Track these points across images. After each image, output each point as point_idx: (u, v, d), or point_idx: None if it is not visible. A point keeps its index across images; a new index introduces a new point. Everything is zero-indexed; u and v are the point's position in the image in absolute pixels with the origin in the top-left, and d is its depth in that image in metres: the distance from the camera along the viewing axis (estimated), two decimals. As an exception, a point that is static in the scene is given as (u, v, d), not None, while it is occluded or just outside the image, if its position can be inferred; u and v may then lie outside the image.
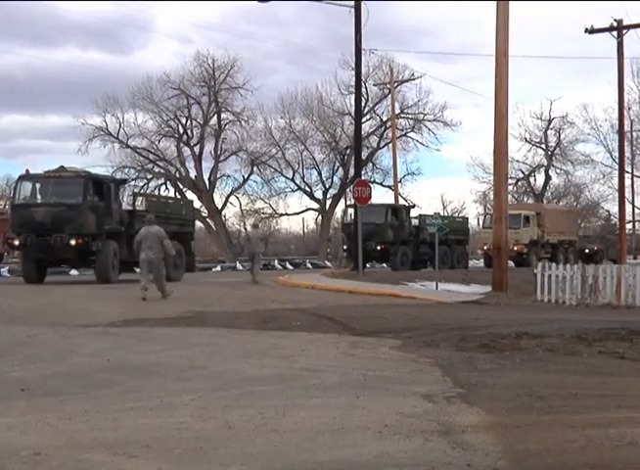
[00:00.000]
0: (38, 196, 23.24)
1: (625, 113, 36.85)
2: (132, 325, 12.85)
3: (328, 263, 41.59)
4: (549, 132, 58.37)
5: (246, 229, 32.95)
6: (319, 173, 53.28)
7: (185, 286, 21.31)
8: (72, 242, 22.20)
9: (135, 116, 50.87)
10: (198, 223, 54.45)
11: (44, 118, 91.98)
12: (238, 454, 5.16)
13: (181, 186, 51.59)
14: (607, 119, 50.79)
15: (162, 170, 51.89)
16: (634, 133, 50.54)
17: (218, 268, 40.90)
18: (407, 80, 47.64)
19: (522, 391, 7.33)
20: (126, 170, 51.25)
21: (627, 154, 43.19)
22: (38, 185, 23.22)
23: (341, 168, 51.99)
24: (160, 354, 9.61)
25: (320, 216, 53.94)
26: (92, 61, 72.39)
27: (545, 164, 58.97)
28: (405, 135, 51.57)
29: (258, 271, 25.34)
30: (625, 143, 37.72)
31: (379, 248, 32.93)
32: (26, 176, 23.75)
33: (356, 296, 20.02)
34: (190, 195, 51.87)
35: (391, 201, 43.60)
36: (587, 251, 44.79)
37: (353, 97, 36.12)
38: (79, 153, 50.78)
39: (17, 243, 22.68)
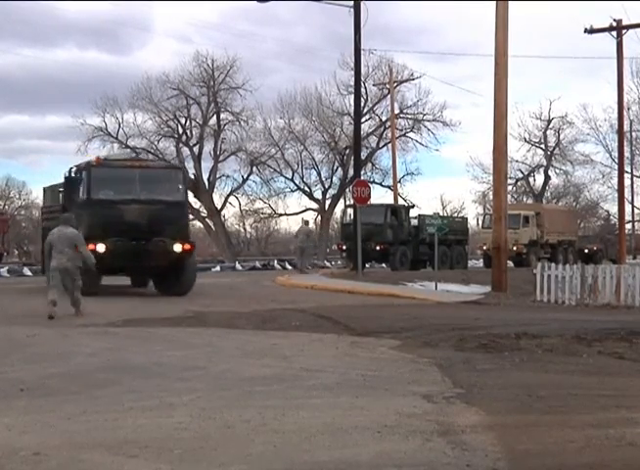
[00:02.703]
0: (123, 191, 18.76)
1: (625, 113, 36.80)
2: (132, 325, 12.85)
3: (328, 263, 41.57)
4: (548, 132, 58.36)
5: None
6: (318, 173, 53.24)
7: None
8: (176, 248, 18.42)
9: (134, 116, 50.85)
10: (197, 223, 54.74)
11: (43, 119, 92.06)
12: (237, 454, 5.16)
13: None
14: (606, 119, 50.73)
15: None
16: (634, 133, 50.48)
17: (218, 268, 40.87)
18: (406, 80, 47.59)
19: (521, 391, 7.34)
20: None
21: (627, 154, 43.14)
22: (119, 176, 18.85)
23: (340, 169, 51.96)
24: (159, 355, 9.61)
25: (319, 217, 53.94)
26: (91, 61, 72.42)
27: (544, 164, 58.95)
28: (404, 135, 51.51)
29: (306, 264, 28.96)
30: (625, 143, 37.68)
31: (378, 248, 32.92)
32: (103, 165, 19.11)
33: (355, 296, 20.03)
34: (189, 195, 51.94)
35: (391, 201, 43.58)
36: (587, 251, 44.75)
37: (353, 97, 36.10)
38: (79, 153, 50.81)
39: (100, 249, 17.49)
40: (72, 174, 19.23)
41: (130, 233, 17.88)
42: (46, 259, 14.40)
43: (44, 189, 23.92)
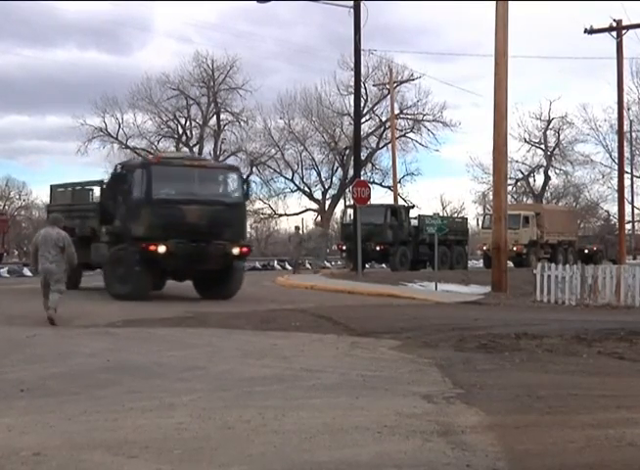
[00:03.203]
0: (182, 190, 17.98)
1: (625, 113, 36.79)
2: (132, 325, 12.85)
3: (328, 264, 41.56)
4: (548, 132, 58.37)
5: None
6: (318, 174, 53.30)
7: (184, 286, 21.31)
8: (235, 251, 17.97)
9: (134, 116, 50.99)
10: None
11: (43, 119, 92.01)
12: (237, 455, 5.16)
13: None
14: (606, 120, 50.66)
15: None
16: (633, 133, 50.47)
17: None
18: (406, 81, 47.65)
19: (521, 391, 7.34)
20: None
21: (627, 154, 43.10)
22: (178, 175, 18.01)
23: (340, 169, 52.01)
24: (159, 355, 9.61)
25: (319, 217, 53.96)
26: (91, 61, 72.43)
27: (544, 164, 58.96)
28: (404, 136, 51.57)
29: (318, 264, 31.20)
30: (625, 143, 37.66)
31: (378, 248, 32.93)
32: (162, 163, 18.12)
33: (355, 296, 20.03)
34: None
35: (391, 201, 43.60)
36: (587, 251, 44.76)
37: (352, 97, 36.17)
38: (79, 153, 50.95)
39: (162, 250, 16.93)
40: (122, 172, 18.31)
41: (191, 235, 17.25)
42: (33, 262, 13.89)
43: (51, 187, 23.16)
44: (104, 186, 19.31)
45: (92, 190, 20.72)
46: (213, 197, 18.03)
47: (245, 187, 18.76)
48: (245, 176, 19.19)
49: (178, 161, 18.77)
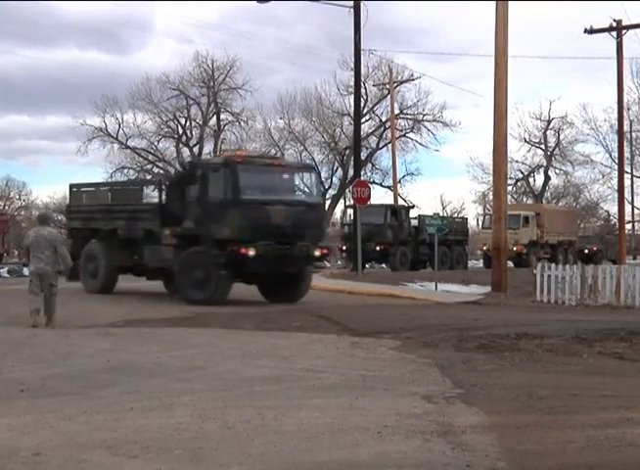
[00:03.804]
0: (266, 191, 17.34)
1: (625, 113, 36.80)
2: (132, 325, 12.86)
3: (327, 264, 41.54)
4: (548, 132, 58.38)
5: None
6: (318, 174, 53.28)
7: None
8: (317, 253, 17.61)
9: (134, 116, 50.94)
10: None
11: (43, 119, 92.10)
12: (237, 455, 5.16)
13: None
14: (606, 120, 50.75)
15: (162, 171, 51.90)
16: (633, 134, 50.50)
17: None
18: (406, 81, 47.61)
19: (521, 391, 7.34)
20: (126, 171, 51.35)
21: (627, 154, 43.13)
22: (262, 175, 17.40)
23: (340, 169, 51.99)
24: (159, 355, 9.61)
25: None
26: (91, 61, 72.41)
27: (544, 164, 58.98)
28: (404, 136, 51.54)
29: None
30: (625, 143, 37.66)
31: (378, 248, 32.92)
32: (246, 162, 17.14)
33: (355, 296, 20.02)
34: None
35: (391, 201, 43.58)
36: (587, 251, 44.76)
37: (353, 97, 36.12)
38: (79, 153, 50.94)
39: (252, 253, 16.18)
40: (196, 171, 17.43)
41: (277, 236, 16.62)
42: (27, 262, 13.60)
43: (70, 187, 22.25)
44: (167, 186, 18.44)
45: (143, 189, 19.64)
46: (297, 197, 17.62)
47: (321, 187, 18.33)
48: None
49: (259, 159, 18.17)
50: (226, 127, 51.90)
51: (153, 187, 19.33)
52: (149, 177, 51.90)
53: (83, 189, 22.11)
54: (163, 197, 18.04)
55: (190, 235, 17.05)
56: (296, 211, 17.04)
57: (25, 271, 32.36)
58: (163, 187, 18.42)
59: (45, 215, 14.70)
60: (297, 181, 17.94)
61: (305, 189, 17.96)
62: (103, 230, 19.11)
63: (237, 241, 16.22)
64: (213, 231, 16.52)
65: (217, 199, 16.61)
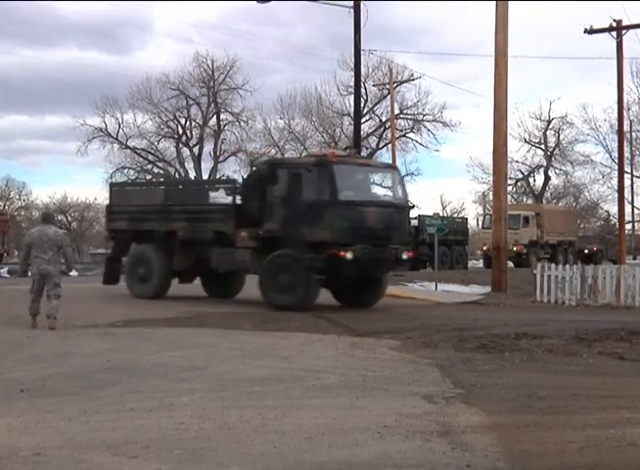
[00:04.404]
0: (359, 192, 16.60)
1: (625, 113, 36.75)
2: (132, 326, 12.85)
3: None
4: (548, 133, 58.37)
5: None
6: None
7: (183, 287, 21.31)
8: (405, 256, 17.12)
9: (134, 116, 50.99)
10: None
11: (43, 119, 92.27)
12: (237, 455, 5.16)
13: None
14: (606, 120, 50.71)
15: (162, 171, 51.94)
16: (633, 134, 50.47)
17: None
18: (406, 81, 47.57)
19: (521, 391, 7.34)
20: (126, 171, 51.38)
21: (627, 154, 43.08)
22: (354, 175, 16.74)
23: (340, 169, 51.92)
24: (159, 355, 9.61)
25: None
26: (91, 61, 72.52)
27: (544, 164, 58.97)
28: (404, 136, 51.55)
29: None
30: (625, 143, 37.61)
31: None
32: (340, 162, 16.40)
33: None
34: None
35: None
36: (586, 251, 44.74)
37: (352, 97, 36.11)
38: (79, 153, 50.98)
39: (350, 257, 15.43)
40: (282, 171, 16.46)
41: (371, 239, 15.94)
42: (23, 263, 12.98)
43: (111, 186, 21.62)
44: (243, 185, 17.44)
45: (210, 190, 18.33)
46: (387, 198, 16.90)
47: (405, 187, 17.71)
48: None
49: (352, 159, 17.41)
50: (226, 127, 51.95)
51: (223, 187, 18.15)
52: (149, 177, 51.98)
53: (128, 188, 21.03)
54: (237, 197, 17.00)
55: (273, 237, 16.16)
56: (387, 213, 16.50)
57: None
58: (237, 187, 17.50)
59: (49, 214, 14.38)
60: (388, 182, 17.27)
61: (392, 190, 17.20)
62: (157, 232, 18.05)
63: (333, 244, 15.46)
64: (306, 233, 15.69)
65: (311, 200, 15.78)
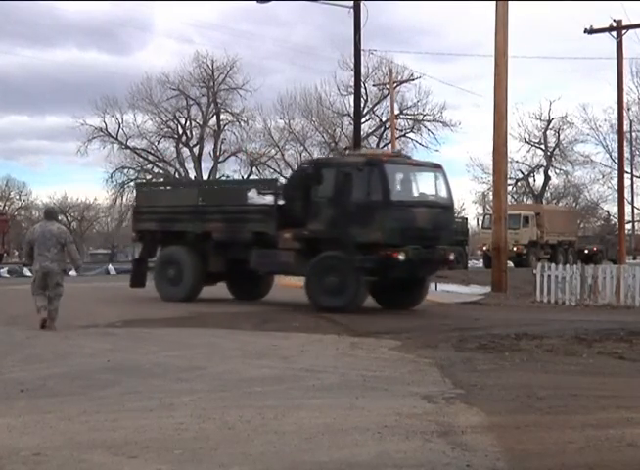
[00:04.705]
0: (409, 192, 16.44)
1: (625, 113, 36.72)
2: (132, 326, 12.85)
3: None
4: (548, 133, 58.36)
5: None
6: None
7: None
8: (452, 257, 17.12)
9: (134, 116, 51.01)
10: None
11: (43, 119, 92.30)
12: (237, 455, 5.16)
13: (180, 187, 51.79)
14: (606, 120, 50.66)
15: (162, 171, 51.96)
16: (633, 134, 50.45)
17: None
18: (406, 81, 47.57)
19: (521, 391, 7.34)
20: (126, 171, 51.40)
21: (627, 154, 43.05)
22: (404, 175, 16.52)
23: (340, 169, 51.93)
24: (159, 355, 9.61)
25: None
26: (91, 61, 72.52)
27: (544, 164, 58.96)
28: (404, 136, 51.56)
29: None
30: (625, 143, 37.59)
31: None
32: (391, 161, 16.34)
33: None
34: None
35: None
36: (586, 251, 44.70)
37: (352, 97, 36.09)
38: (79, 153, 51.01)
39: (402, 258, 15.15)
40: (329, 170, 16.16)
41: (421, 240, 15.69)
42: (29, 259, 12.55)
43: (138, 186, 21.25)
44: (285, 185, 17.27)
45: (248, 189, 17.53)
46: (434, 198, 16.60)
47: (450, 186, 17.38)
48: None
49: (400, 159, 17.33)
50: (226, 127, 51.96)
51: (263, 187, 17.55)
52: (149, 177, 51.98)
53: (157, 188, 20.38)
54: (278, 198, 16.64)
55: (318, 239, 15.86)
56: (435, 213, 16.31)
57: (26, 271, 32.37)
58: (286, 187, 17.18)
59: (52, 210, 13.92)
60: (435, 182, 16.89)
61: (439, 189, 16.90)
62: (190, 233, 17.62)
63: (385, 245, 15.14)
64: (356, 234, 15.35)
65: (362, 200, 15.46)
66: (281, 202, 16.52)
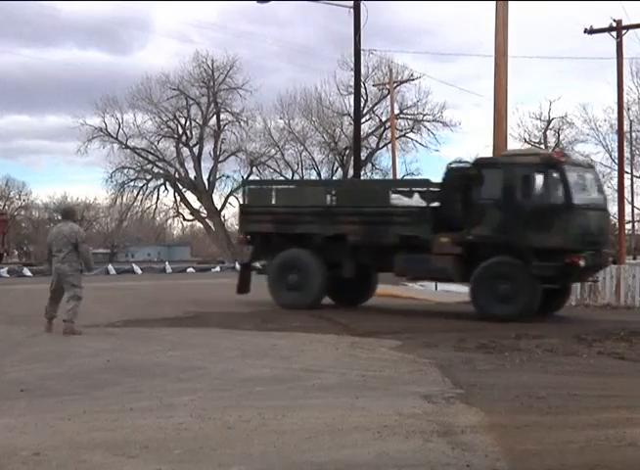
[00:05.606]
0: (585, 194, 15.36)
1: (625, 113, 36.68)
2: (132, 326, 12.86)
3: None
4: (548, 133, 58.28)
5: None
6: (318, 174, 53.17)
7: (183, 287, 21.35)
8: (611, 259, 16.47)
9: (134, 116, 50.98)
10: (197, 224, 54.61)
11: (43, 119, 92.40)
12: (237, 455, 5.16)
13: (180, 187, 51.76)
14: (606, 120, 50.60)
15: (162, 171, 51.95)
16: (633, 134, 50.43)
17: (217, 269, 40.90)
18: (406, 81, 47.49)
19: (521, 391, 7.34)
20: (125, 171, 51.39)
21: (627, 154, 43.01)
22: (580, 178, 15.42)
23: (340, 169, 51.94)
24: (159, 355, 9.61)
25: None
26: (91, 61, 72.54)
27: (544, 164, 58.93)
28: (404, 136, 51.51)
29: None
30: (625, 143, 37.54)
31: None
32: (568, 163, 15.43)
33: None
34: (189, 195, 51.98)
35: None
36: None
37: (352, 97, 36.09)
38: (79, 153, 51.02)
39: (583, 264, 14.39)
40: (495, 170, 15.29)
41: (594, 244, 15.01)
42: (48, 263, 12.33)
43: (246, 184, 20.18)
44: (442, 186, 15.79)
45: (392, 191, 16.62)
46: (601, 200, 15.89)
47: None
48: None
49: (573, 159, 16.33)
50: (226, 127, 51.92)
51: (412, 188, 16.65)
52: (149, 177, 51.97)
53: (271, 187, 19.16)
54: (431, 199, 15.75)
55: (482, 244, 14.92)
56: (602, 216, 15.80)
57: (26, 271, 32.45)
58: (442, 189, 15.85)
59: (67, 210, 13.42)
60: (599, 183, 16.34)
61: (601, 190, 16.35)
62: (317, 235, 16.50)
63: (564, 250, 14.29)
64: (533, 239, 14.47)
65: (541, 203, 14.58)
66: (435, 203, 15.62)
